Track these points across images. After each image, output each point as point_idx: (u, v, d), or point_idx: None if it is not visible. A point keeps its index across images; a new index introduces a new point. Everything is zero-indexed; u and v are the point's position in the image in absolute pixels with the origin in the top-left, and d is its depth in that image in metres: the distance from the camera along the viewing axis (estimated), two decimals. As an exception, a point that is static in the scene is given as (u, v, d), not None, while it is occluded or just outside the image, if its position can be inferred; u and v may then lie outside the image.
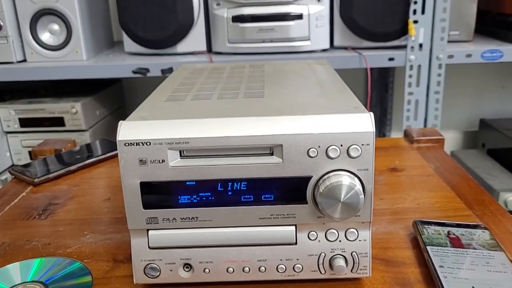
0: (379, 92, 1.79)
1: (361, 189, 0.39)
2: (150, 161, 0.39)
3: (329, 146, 0.39)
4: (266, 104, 0.44)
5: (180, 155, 0.40)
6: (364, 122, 0.39)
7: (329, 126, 0.39)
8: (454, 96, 1.80)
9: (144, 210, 0.40)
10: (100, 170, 0.76)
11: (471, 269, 0.43)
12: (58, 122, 1.38)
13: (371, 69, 1.30)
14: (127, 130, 0.39)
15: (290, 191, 0.40)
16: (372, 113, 0.40)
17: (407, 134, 0.84)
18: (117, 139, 0.39)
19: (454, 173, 0.69)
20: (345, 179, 0.39)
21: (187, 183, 0.40)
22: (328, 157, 0.39)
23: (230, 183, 0.40)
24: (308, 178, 0.40)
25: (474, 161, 1.56)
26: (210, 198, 0.40)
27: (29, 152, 1.42)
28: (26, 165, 0.75)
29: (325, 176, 0.39)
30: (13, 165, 1.46)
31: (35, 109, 1.38)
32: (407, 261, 0.48)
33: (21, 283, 0.45)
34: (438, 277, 0.42)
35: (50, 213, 0.61)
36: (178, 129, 0.39)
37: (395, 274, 0.46)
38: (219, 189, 0.40)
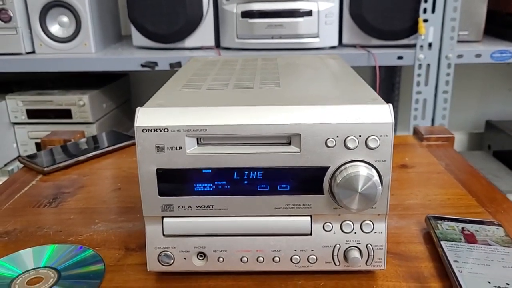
0: (385, 91, 1.79)
1: (378, 180, 0.39)
2: (167, 148, 0.39)
3: (348, 137, 0.38)
4: (283, 94, 0.44)
5: (197, 143, 0.40)
6: (383, 113, 0.39)
7: (348, 117, 0.38)
8: (461, 97, 1.79)
9: (159, 197, 0.40)
10: (109, 161, 0.75)
11: (486, 264, 0.43)
12: (65, 114, 1.38)
13: (379, 67, 1.29)
14: (145, 116, 0.39)
15: (306, 181, 0.40)
16: (391, 105, 0.39)
17: (416, 132, 0.83)
18: (135, 125, 0.39)
19: (465, 171, 0.69)
20: (363, 170, 0.38)
21: (204, 171, 0.40)
22: (346, 147, 0.39)
23: (246, 172, 0.40)
24: (326, 169, 0.39)
25: (479, 163, 1.56)
26: (226, 186, 0.40)
27: (36, 144, 1.42)
28: (34, 155, 0.75)
29: (343, 167, 0.39)
30: (19, 156, 1.46)
31: (43, 100, 1.38)
32: (420, 255, 0.47)
33: (34, 269, 0.45)
34: (453, 271, 0.42)
35: (60, 201, 0.61)
36: (196, 116, 0.39)
37: (409, 268, 0.45)
38: (235, 177, 0.40)
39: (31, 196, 0.63)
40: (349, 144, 0.38)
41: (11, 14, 1.31)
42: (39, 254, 0.47)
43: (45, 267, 0.45)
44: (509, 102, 1.82)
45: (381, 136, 0.38)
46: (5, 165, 1.42)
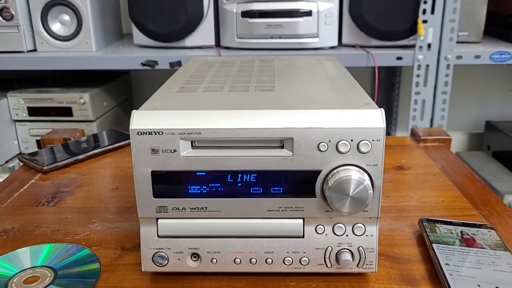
0: (385, 91, 1.79)
1: (370, 184, 0.39)
2: (162, 150, 0.39)
3: (340, 141, 0.39)
4: (277, 98, 0.45)
5: (192, 146, 0.40)
6: (375, 118, 0.39)
7: (340, 121, 0.39)
8: (460, 97, 1.79)
9: (154, 199, 0.41)
10: (108, 160, 0.76)
11: (476, 267, 0.43)
12: (66, 112, 1.39)
13: (378, 67, 1.30)
14: (140, 119, 0.39)
15: (299, 184, 0.40)
16: (383, 109, 0.40)
17: (413, 133, 0.84)
18: (130, 127, 0.39)
19: (461, 173, 0.69)
20: (354, 174, 0.39)
21: (198, 173, 0.40)
22: (338, 151, 0.39)
23: (240, 175, 0.40)
24: (318, 172, 0.40)
25: (479, 163, 1.56)
26: (220, 189, 0.41)
27: (37, 141, 1.43)
28: (34, 153, 0.76)
29: (335, 171, 0.40)
30: (20, 153, 1.47)
31: (44, 98, 1.39)
32: (413, 258, 0.48)
33: (31, 268, 0.45)
34: (444, 274, 0.42)
35: (59, 200, 0.62)
36: (191, 119, 0.39)
37: (401, 270, 0.46)
38: (228, 180, 0.41)
39: (30, 194, 0.64)
40: (341, 148, 0.39)
41: (13, 12, 1.31)
42: (36, 253, 0.48)
43: (42, 266, 0.46)
44: (509, 102, 1.83)
45: (372, 140, 0.39)
46: (6, 162, 1.43)
